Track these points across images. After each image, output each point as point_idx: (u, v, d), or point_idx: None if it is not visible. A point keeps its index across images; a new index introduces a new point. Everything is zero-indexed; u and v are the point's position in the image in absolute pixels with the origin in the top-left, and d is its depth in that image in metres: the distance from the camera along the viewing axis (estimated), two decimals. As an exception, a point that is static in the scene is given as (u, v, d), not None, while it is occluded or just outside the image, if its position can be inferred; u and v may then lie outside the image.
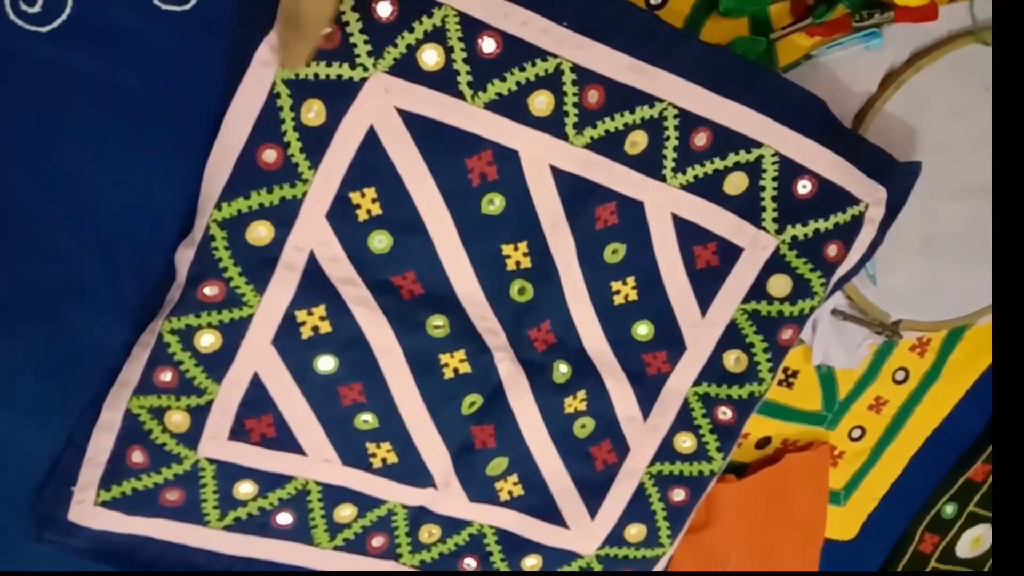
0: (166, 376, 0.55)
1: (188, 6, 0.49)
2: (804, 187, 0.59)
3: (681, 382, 0.64)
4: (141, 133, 0.51)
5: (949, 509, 0.86)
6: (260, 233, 0.52)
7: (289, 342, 0.55)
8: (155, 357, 0.54)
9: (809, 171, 0.58)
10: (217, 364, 0.55)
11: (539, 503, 0.66)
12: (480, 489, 0.64)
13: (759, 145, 0.57)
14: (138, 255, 0.54)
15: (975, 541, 0.89)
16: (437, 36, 0.50)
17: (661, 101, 0.55)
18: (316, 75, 0.49)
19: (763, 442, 0.76)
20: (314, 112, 0.50)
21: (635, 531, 0.68)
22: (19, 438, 0.56)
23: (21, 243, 0.52)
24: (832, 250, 0.60)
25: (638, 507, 0.67)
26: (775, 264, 0.61)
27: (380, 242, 0.55)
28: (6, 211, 0.51)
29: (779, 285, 0.61)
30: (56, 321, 0.54)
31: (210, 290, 0.53)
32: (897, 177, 0.60)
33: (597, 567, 0.68)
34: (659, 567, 0.70)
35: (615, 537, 0.68)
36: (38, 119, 0.49)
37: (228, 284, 0.53)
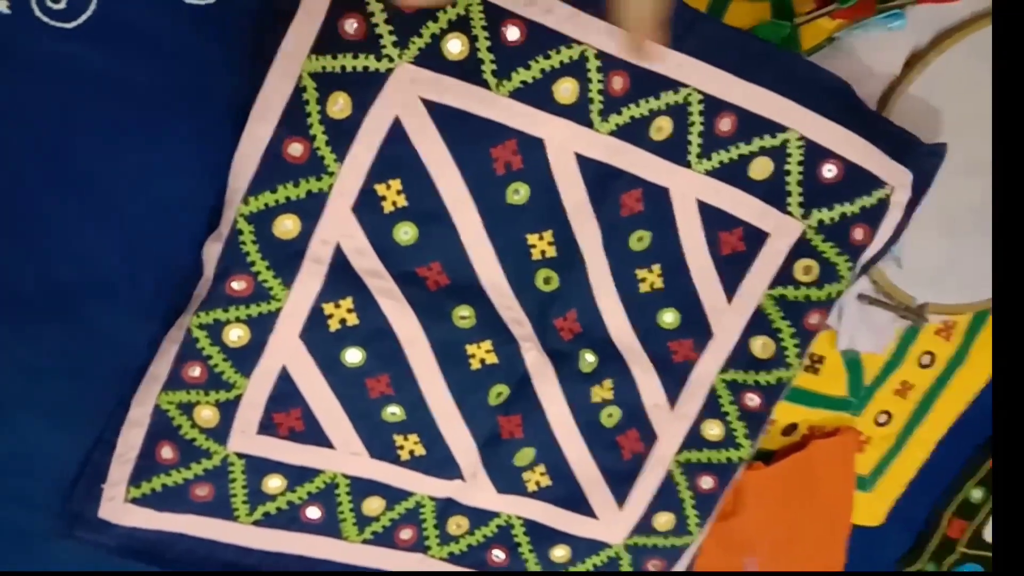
0: (195, 371, 0.55)
1: (212, 0, 0.48)
2: (829, 171, 0.58)
3: (708, 369, 0.64)
4: (166, 129, 0.51)
5: (976, 494, 0.85)
6: (287, 226, 0.52)
7: (317, 335, 0.55)
8: (184, 352, 0.54)
9: (834, 155, 0.58)
10: (246, 358, 0.55)
11: (567, 493, 0.66)
12: (508, 480, 0.64)
13: (784, 129, 0.57)
14: (162, 252, 0.54)
15: (1002, 525, 0.88)
16: (461, 25, 0.50)
17: (685, 86, 0.55)
18: (343, 67, 0.49)
19: (789, 429, 0.76)
20: (340, 105, 0.50)
21: (664, 519, 0.68)
22: (46, 438, 0.56)
23: (44, 242, 0.52)
24: (858, 234, 0.60)
25: (666, 495, 0.67)
26: (801, 249, 0.60)
27: (406, 233, 0.55)
28: (30, 209, 0.51)
29: (806, 270, 0.61)
30: (81, 320, 0.54)
31: (238, 284, 0.53)
32: (922, 159, 0.60)
33: (625, 556, 0.68)
34: (687, 555, 0.70)
35: (644, 526, 0.67)
36: (63, 115, 0.49)
37: (256, 278, 0.53)
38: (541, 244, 0.58)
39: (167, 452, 0.57)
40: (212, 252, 0.52)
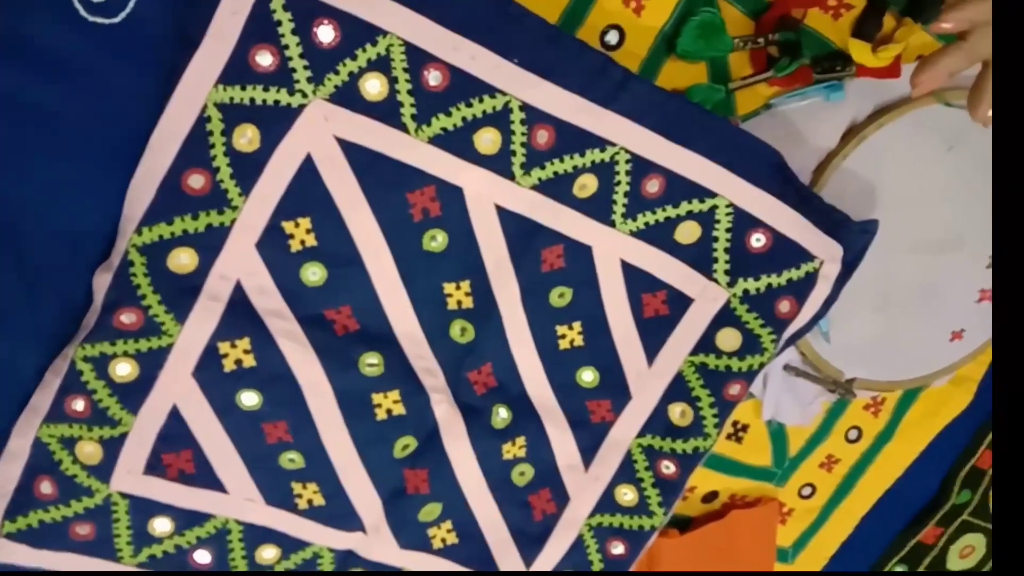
0: (78, 405, 0.52)
1: (118, 19, 0.46)
2: (758, 240, 0.57)
3: (625, 432, 0.62)
4: (65, 151, 0.48)
5: (899, 571, 0.84)
6: (183, 260, 0.50)
7: (210, 375, 0.53)
8: (67, 385, 0.51)
9: (764, 224, 0.57)
10: (133, 395, 0.52)
11: (474, 553, 0.63)
12: (412, 536, 0.61)
13: (713, 195, 0.56)
14: (59, 278, 0.51)
15: (924, 605, 0.88)
16: (381, 65, 0.48)
17: (613, 145, 0.53)
18: (252, 99, 0.47)
19: (710, 496, 0.74)
20: (248, 137, 0.48)
21: None
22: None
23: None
24: (784, 306, 0.59)
25: (575, 557, 0.65)
26: (725, 317, 0.59)
27: (314, 274, 0.53)
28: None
29: (728, 339, 0.60)
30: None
31: (127, 317, 0.50)
32: (853, 236, 0.59)
33: None
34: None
35: None
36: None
37: (146, 312, 0.50)
38: (458, 294, 0.56)
39: (46, 487, 0.53)
40: (101, 282, 0.50)
